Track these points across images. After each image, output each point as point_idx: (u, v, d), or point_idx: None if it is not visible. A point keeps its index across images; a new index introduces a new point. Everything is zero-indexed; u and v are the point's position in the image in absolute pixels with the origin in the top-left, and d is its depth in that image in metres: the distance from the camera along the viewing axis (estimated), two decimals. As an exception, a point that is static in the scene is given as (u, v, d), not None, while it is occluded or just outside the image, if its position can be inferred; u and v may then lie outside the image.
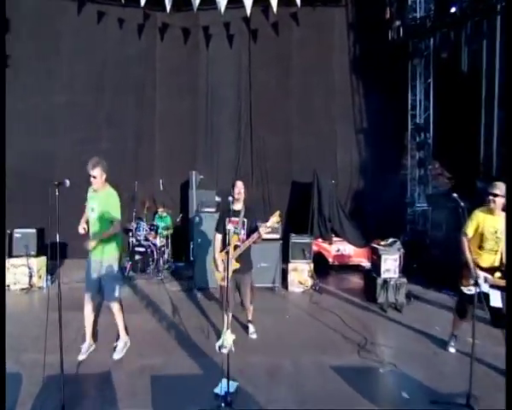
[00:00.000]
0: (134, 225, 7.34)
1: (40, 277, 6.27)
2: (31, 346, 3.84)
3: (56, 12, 8.40)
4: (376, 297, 5.10)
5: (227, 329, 3.10)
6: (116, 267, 3.69)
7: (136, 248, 7.07)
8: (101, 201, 3.61)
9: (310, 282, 5.90)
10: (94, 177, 3.54)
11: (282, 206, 8.13)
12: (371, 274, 5.45)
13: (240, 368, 3.37)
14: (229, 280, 3.70)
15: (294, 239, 6.06)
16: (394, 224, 7.36)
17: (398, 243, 5.39)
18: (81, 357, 3.61)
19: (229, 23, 8.31)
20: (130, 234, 7.29)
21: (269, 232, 5.69)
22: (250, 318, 4.27)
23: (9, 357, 3.16)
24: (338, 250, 7.24)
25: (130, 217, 7.40)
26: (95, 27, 8.32)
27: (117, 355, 3.67)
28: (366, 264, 6.88)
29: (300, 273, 5.93)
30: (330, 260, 7.20)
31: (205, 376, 3.39)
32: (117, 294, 3.71)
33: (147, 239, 7.23)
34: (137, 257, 7.04)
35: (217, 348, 3.23)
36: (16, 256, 6.21)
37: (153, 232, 7.31)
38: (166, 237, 7.47)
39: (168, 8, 7.56)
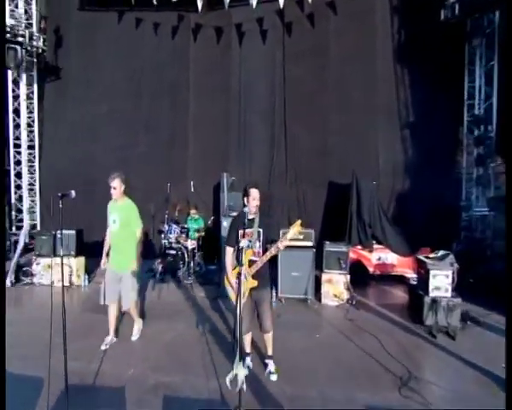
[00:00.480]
0: (166, 227, 7.18)
1: (79, 276, 6.36)
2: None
3: (100, 23, 8.59)
4: (423, 319, 4.25)
5: (240, 361, 2.59)
6: (135, 276, 3.92)
7: (168, 251, 6.91)
8: (122, 211, 3.86)
9: (346, 295, 5.19)
10: (114, 188, 3.79)
11: (317, 209, 7.48)
12: (417, 291, 4.60)
13: (257, 395, 2.90)
14: (245, 300, 3.23)
15: (329, 247, 5.38)
16: (445, 231, 6.36)
17: (451, 256, 4.45)
18: (103, 347, 3.84)
19: (262, 18, 7.78)
20: (162, 236, 7.15)
21: (297, 239, 5.18)
22: (270, 352, 3.47)
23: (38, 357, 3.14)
24: (379, 259, 6.37)
25: (163, 219, 7.28)
26: (133, 34, 8.34)
27: (134, 337, 4.11)
28: (411, 275, 5.97)
29: (335, 285, 5.25)
30: (371, 269, 6.36)
31: (222, 403, 2.96)
32: (133, 299, 4.01)
33: (178, 242, 7.03)
34: (169, 259, 6.89)
35: (227, 382, 2.73)
36: (59, 256, 6.35)
37: (184, 235, 7.10)
38: (198, 240, 7.19)
39: (200, 6, 7.24)
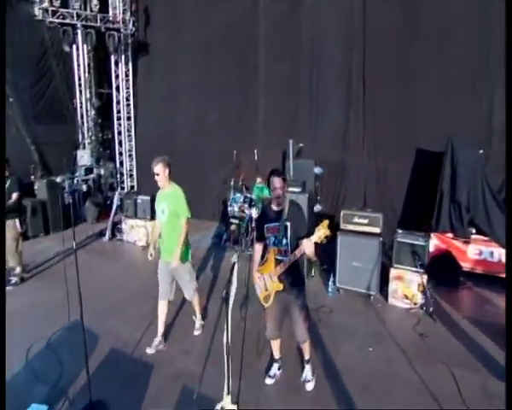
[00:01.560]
0: (231, 195, 6.83)
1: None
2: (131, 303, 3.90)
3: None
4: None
5: (227, 394, 1.94)
6: (189, 266, 3.49)
7: (232, 219, 6.57)
8: (170, 200, 3.31)
9: (420, 299, 3.88)
10: (157, 174, 3.23)
11: (400, 185, 5.87)
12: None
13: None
14: (270, 304, 2.65)
15: (402, 237, 4.04)
16: None
17: None
18: (149, 351, 3.31)
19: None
20: (229, 204, 6.84)
21: (360, 224, 4.05)
22: (307, 356, 2.88)
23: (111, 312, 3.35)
24: (479, 254, 4.59)
25: (228, 187, 6.93)
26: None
27: (196, 332, 3.63)
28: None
29: (407, 285, 3.97)
30: (465, 265, 4.67)
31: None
32: (192, 292, 3.52)
33: (242, 210, 6.62)
34: (232, 228, 6.54)
35: None
36: (139, 218, 6.74)
37: (246, 204, 6.62)
38: (262, 210, 6.60)
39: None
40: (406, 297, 3.96)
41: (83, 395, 2.65)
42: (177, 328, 3.73)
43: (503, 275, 4.43)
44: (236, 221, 6.46)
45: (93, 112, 9.17)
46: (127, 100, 9.34)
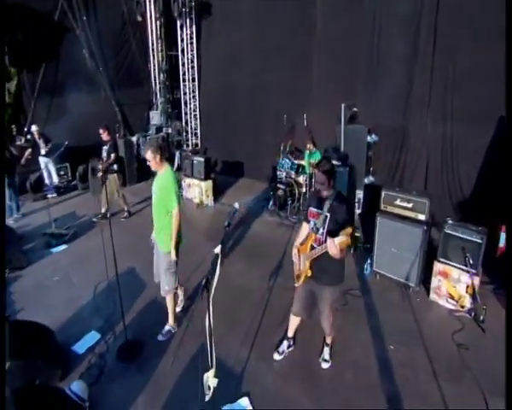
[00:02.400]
0: (280, 160, 6.47)
1: (208, 196, 6.87)
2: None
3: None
4: None
5: (212, 367, 1.91)
6: (168, 259, 2.97)
7: (279, 185, 6.28)
8: (159, 183, 2.99)
9: (468, 302, 3.18)
10: (148, 160, 2.93)
11: (473, 160, 4.66)
12: None
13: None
14: (301, 283, 2.62)
15: (452, 230, 3.24)
16: None
17: None
18: (160, 337, 3.10)
19: None
20: (278, 168, 6.53)
21: (403, 208, 3.41)
22: (329, 341, 2.82)
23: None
24: None
25: (278, 151, 6.54)
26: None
27: (160, 337, 3.09)
28: None
29: (453, 283, 3.27)
30: None
31: (238, 379, 2.59)
32: (167, 288, 3.04)
33: (289, 176, 6.27)
34: (279, 193, 6.27)
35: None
36: (195, 178, 7.01)
37: (293, 171, 6.21)
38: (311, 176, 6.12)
39: None
40: (452, 297, 3.28)
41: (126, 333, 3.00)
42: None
43: None
44: (283, 187, 6.17)
45: (162, 75, 9.46)
46: (191, 62, 9.31)
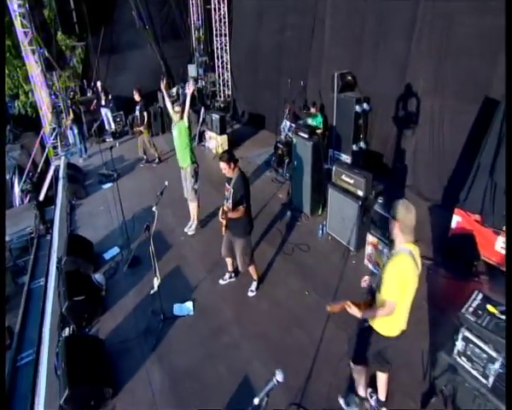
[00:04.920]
0: (283, 123, 6.46)
1: (223, 148, 7.33)
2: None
3: None
4: None
5: (155, 275, 3.11)
6: (193, 173, 4.22)
7: (278, 144, 6.41)
8: (178, 127, 4.18)
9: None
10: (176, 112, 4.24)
11: (457, 136, 4.17)
12: None
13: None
14: (225, 235, 3.30)
15: (379, 208, 3.32)
16: None
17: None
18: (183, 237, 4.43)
19: None
20: (281, 129, 6.56)
21: (348, 183, 3.68)
22: (255, 277, 3.50)
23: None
24: (509, 247, 3.22)
25: (281, 115, 6.47)
26: None
27: (190, 231, 4.45)
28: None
29: (379, 254, 3.48)
30: (490, 258, 3.37)
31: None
32: (191, 189, 4.25)
33: (288, 137, 6.30)
34: (279, 152, 6.45)
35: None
36: (213, 132, 7.43)
37: (290, 132, 6.18)
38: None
39: None
40: (378, 265, 3.55)
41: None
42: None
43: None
44: (281, 146, 6.29)
45: (199, 29, 9.25)
46: (224, 18, 8.84)
